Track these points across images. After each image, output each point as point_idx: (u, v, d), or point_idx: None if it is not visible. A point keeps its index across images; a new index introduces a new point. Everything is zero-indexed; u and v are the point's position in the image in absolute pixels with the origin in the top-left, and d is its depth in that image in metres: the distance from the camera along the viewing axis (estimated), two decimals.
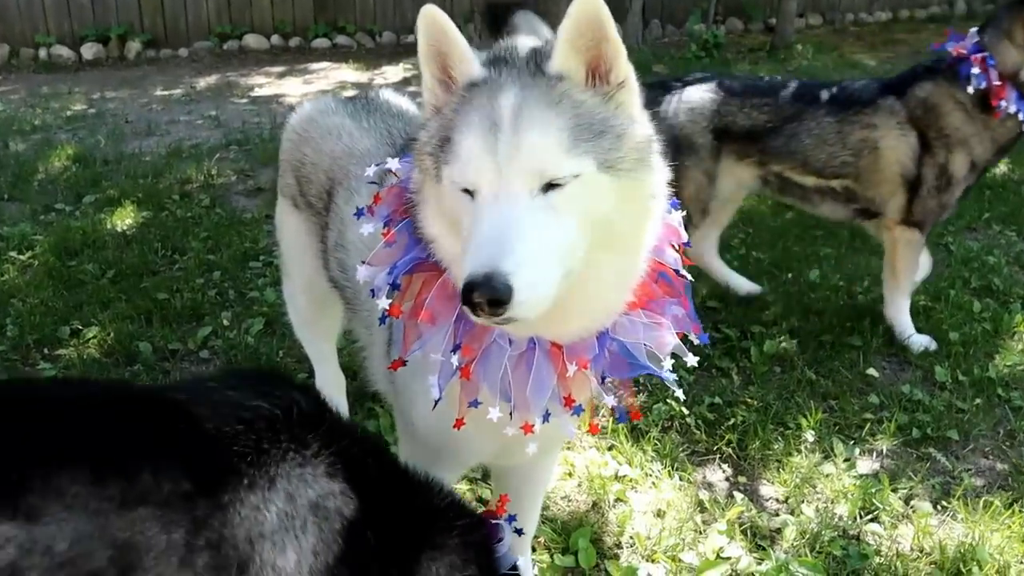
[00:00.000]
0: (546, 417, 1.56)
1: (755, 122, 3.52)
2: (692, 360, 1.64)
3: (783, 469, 2.83)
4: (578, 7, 1.41)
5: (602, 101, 1.45)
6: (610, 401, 1.59)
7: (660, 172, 1.54)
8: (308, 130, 2.41)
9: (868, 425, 3.06)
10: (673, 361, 1.65)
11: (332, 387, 2.83)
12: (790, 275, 4.24)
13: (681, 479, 2.76)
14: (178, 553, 1.22)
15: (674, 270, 1.62)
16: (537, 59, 1.48)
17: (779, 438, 2.97)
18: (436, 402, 1.59)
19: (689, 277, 1.66)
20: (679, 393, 1.72)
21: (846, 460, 2.88)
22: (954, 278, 4.23)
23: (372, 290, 1.64)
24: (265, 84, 8.88)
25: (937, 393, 3.30)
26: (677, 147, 3.45)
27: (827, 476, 2.79)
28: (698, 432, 2.99)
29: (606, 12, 1.42)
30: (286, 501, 1.33)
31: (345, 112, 2.32)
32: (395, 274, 1.59)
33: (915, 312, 3.86)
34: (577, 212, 1.39)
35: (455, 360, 1.55)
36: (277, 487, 1.33)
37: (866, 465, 2.89)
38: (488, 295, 1.30)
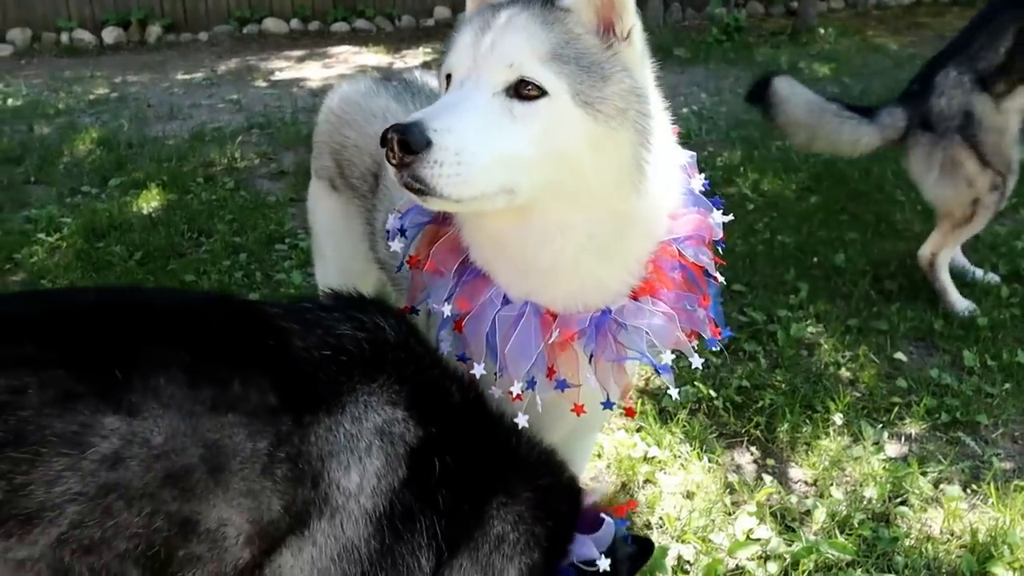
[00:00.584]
0: (531, 384, 1.57)
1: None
2: (696, 361, 1.66)
3: (811, 452, 2.83)
4: None
5: (601, 46, 1.48)
6: (592, 381, 1.59)
7: (662, 151, 1.54)
8: (350, 112, 2.40)
9: (896, 409, 3.05)
10: (674, 357, 1.66)
11: None
12: (816, 259, 4.22)
13: (710, 461, 2.76)
14: (261, 461, 1.31)
15: (702, 268, 1.62)
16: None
17: (807, 421, 2.96)
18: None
19: (720, 279, 1.67)
20: (673, 393, 1.74)
21: (875, 443, 2.87)
22: (982, 263, 4.20)
23: (387, 231, 1.69)
24: (285, 68, 8.89)
25: (966, 378, 3.28)
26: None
27: (856, 459, 2.78)
28: (726, 415, 2.99)
29: None
30: (352, 423, 1.39)
31: (388, 94, 2.31)
32: (405, 219, 1.63)
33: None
34: (538, 131, 1.41)
35: (447, 310, 1.59)
36: (345, 410, 1.39)
37: (895, 449, 2.88)
38: (401, 134, 1.32)
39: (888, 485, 2.66)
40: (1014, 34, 3.58)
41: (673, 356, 1.64)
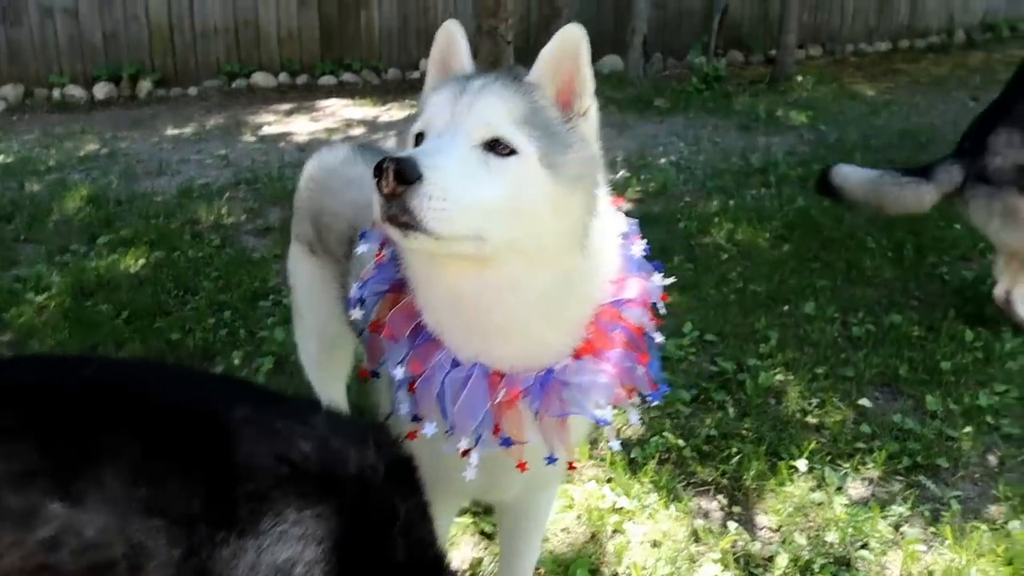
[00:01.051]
0: (479, 441, 1.67)
1: None
2: (634, 419, 1.79)
3: (776, 498, 2.91)
4: (562, 35, 1.63)
5: (562, 119, 1.65)
6: (531, 437, 1.69)
7: (604, 219, 1.70)
8: (328, 180, 2.53)
9: (860, 454, 3.14)
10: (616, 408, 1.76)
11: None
12: (786, 307, 4.34)
13: (677, 510, 2.85)
14: (173, 568, 1.34)
15: (642, 329, 1.74)
16: (520, 74, 1.68)
17: (773, 468, 3.05)
18: (388, 416, 1.74)
19: (659, 338, 1.78)
20: (615, 445, 1.85)
21: (838, 489, 2.97)
22: (947, 307, 4.33)
23: (349, 300, 1.79)
24: (273, 122, 9.06)
25: (928, 422, 3.39)
26: None
27: (819, 505, 2.88)
28: (694, 464, 3.08)
29: (585, 47, 1.63)
30: (256, 552, 1.36)
31: (365, 163, 2.43)
32: (364, 289, 1.74)
33: (908, 344, 3.96)
34: (509, 185, 1.54)
35: (400, 372, 1.69)
36: (258, 537, 1.36)
37: (857, 493, 2.97)
38: (397, 165, 1.43)
39: (849, 529, 2.75)
40: None
41: (614, 411, 1.74)
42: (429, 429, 1.70)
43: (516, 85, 1.63)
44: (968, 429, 3.33)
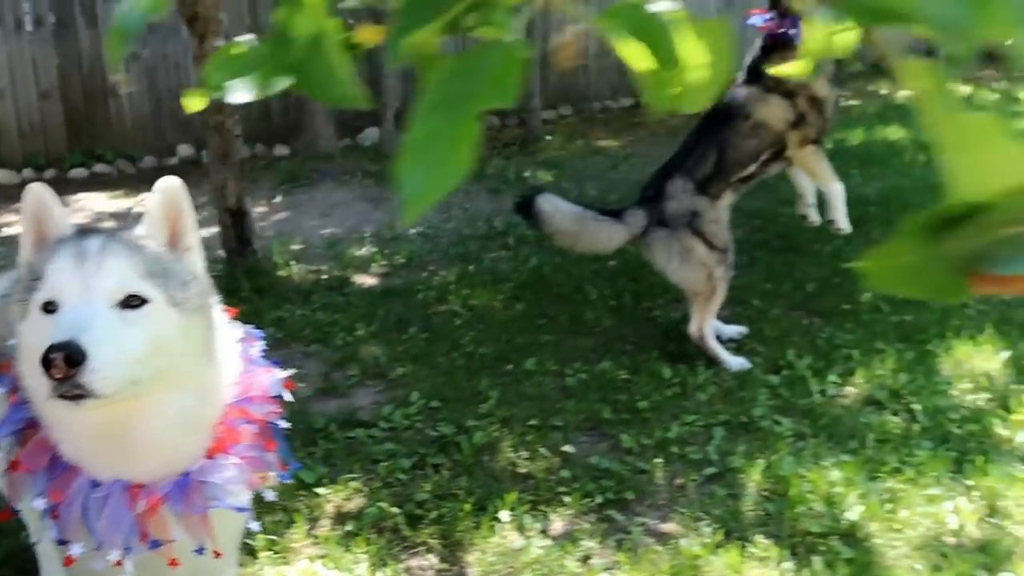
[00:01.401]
0: (128, 550, 1.84)
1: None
2: (271, 495, 2.02)
3: (480, 550, 3.19)
4: (162, 188, 1.89)
5: (175, 258, 1.90)
6: (177, 536, 1.89)
7: (221, 333, 1.96)
8: None
9: (558, 498, 3.48)
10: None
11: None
12: (510, 366, 4.68)
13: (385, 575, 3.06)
14: None
15: (266, 420, 1.98)
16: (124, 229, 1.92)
17: (479, 523, 3.33)
18: (34, 544, 1.87)
19: (282, 425, 2.03)
20: (255, 526, 2.06)
21: (542, 532, 3.28)
22: (652, 349, 4.83)
23: None
24: (15, 223, 8.64)
25: (624, 459, 3.79)
26: None
27: (519, 550, 3.17)
28: (406, 528, 3.30)
29: (182, 195, 1.91)
30: None
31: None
32: (1, 430, 1.88)
33: (615, 387, 4.39)
34: (148, 331, 1.75)
35: (41, 504, 1.84)
36: None
37: (552, 536, 3.29)
38: (66, 351, 1.60)
39: (543, 570, 3.06)
40: (716, 152, 4.73)
41: (250, 496, 1.96)
42: (76, 550, 1.84)
43: (131, 240, 1.86)
44: (658, 460, 3.75)
